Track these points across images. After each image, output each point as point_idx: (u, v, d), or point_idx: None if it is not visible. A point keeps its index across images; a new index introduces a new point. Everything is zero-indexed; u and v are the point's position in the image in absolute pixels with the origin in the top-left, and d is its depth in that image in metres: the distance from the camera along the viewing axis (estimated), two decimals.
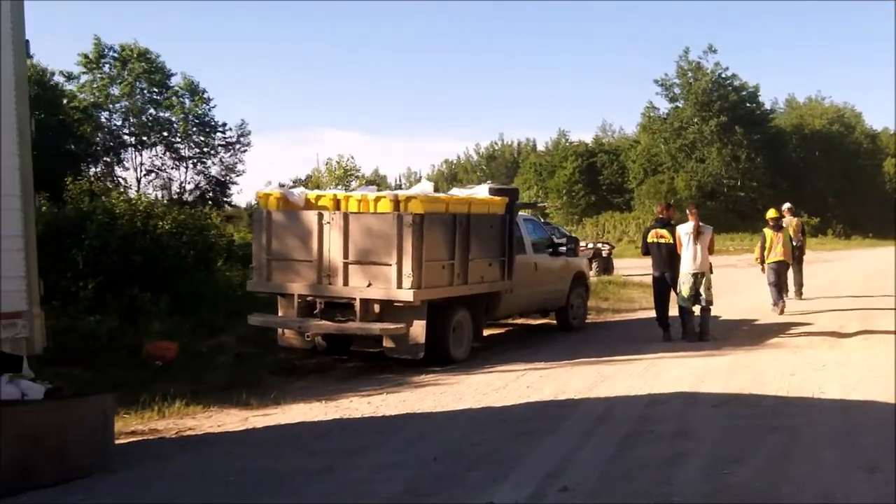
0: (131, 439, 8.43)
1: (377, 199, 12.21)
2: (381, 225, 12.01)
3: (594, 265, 29.14)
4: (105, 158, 32.04)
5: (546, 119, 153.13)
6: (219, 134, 35.66)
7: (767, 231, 18.25)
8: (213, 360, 12.38)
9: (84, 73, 34.10)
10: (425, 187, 13.13)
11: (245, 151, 36.45)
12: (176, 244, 14.95)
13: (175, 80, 35.48)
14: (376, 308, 12.07)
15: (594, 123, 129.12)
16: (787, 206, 19.61)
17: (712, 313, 14.66)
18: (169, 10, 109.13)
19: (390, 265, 11.84)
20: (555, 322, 16.37)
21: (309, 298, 12.41)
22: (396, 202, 12.02)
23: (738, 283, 20.77)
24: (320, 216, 12.29)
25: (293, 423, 9.03)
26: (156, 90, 35.30)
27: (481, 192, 14.23)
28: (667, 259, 14.38)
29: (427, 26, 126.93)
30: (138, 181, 34.49)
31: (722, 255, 37.80)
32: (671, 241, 14.23)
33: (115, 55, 34.32)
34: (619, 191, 71.42)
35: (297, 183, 22.96)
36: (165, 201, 26.02)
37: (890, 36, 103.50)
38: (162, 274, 14.21)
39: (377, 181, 72.08)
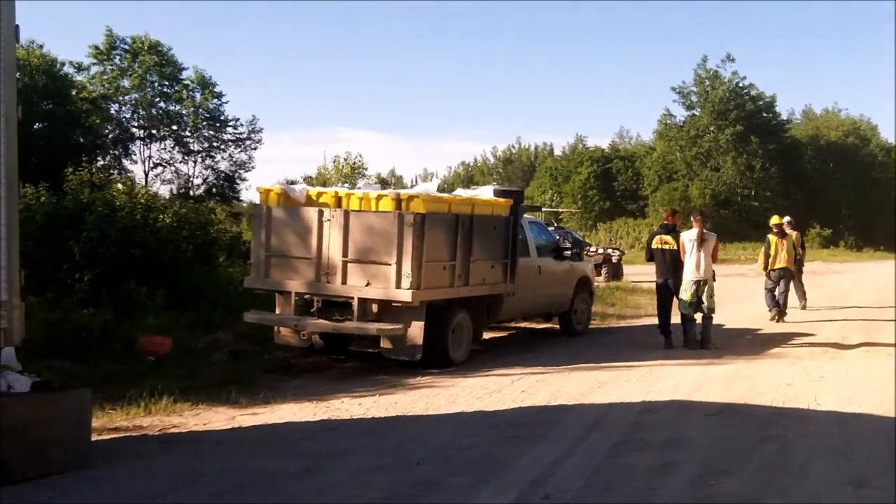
0: (113, 435, 8.31)
1: (379, 198, 12.09)
2: (381, 224, 11.89)
3: (604, 271, 29.07)
4: (113, 151, 31.97)
5: (564, 124, 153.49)
6: (229, 129, 35.72)
7: (772, 237, 18.16)
8: (207, 357, 12.25)
9: (95, 64, 34.24)
10: (428, 187, 13.03)
11: (256, 148, 36.53)
12: (176, 238, 14.86)
13: (187, 74, 35.72)
14: (374, 308, 11.94)
15: (612, 129, 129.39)
16: (787, 219, 19.47)
17: (715, 321, 14.52)
18: (185, 6, 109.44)
19: (390, 265, 11.72)
20: (558, 327, 16.21)
21: (306, 296, 12.28)
22: (398, 201, 11.89)
23: (745, 291, 20.58)
24: (320, 213, 12.18)
25: (280, 423, 8.91)
26: (166, 83, 35.28)
27: (486, 193, 14.10)
28: (670, 265, 14.23)
29: (448, 28, 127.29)
30: (146, 174, 34.52)
31: (733, 264, 37.74)
32: (675, 247, 14.10)
33: (126, 47, 34.30)
34: (633, 197, 71.27)
35: (306, 181, 22.88)
36: (171, 195, 25.97)
37: None
38: (160, 268, 14.13)
39: (392, 182, 72.11)
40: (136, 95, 34.55)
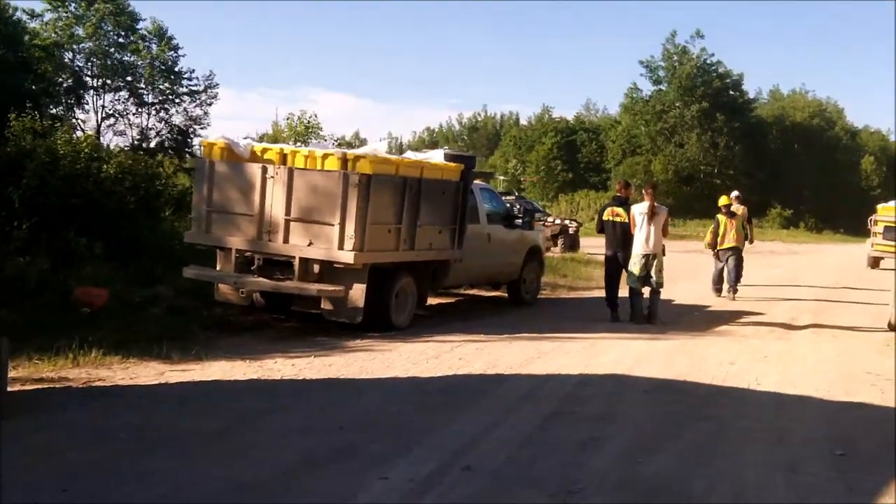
0: (36, 386, 8.09)
1: (325, 156, 11.80)
2: (326, 183, 11.61)
3: (560, 241, 28.96)
4: (66, 99, 31.29)
5: (532, 94, 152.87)
6: (184, 82, 35.05)
7: (721, 217, 18.18)
8: (145, 311, 11.93)
9: (49, 10, 33.45)
10: (377, 147, 12.74)
11: (212, 104, 35.92)
12: (119, 189, 14.49)
13: (144, 25, 34.95)
14: (316, 268, 11.70)
15: (579, 101, 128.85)
16: (735, 194, 19.56)
17: (665, 297, 14.41)
18: None
19: (333, 225, 11.45)
20: (506, 295, 16.04)
21: (247, 254, 12.03)
22: (344, 161, 11.61)
23: (699, 268, 20.47)
24: (264, 170, 11.88)
25: (208, 380, 8.67)
26: (122, 32, 34.52)
27: (437, 157, 13.82)
28: (620, 238, 14.04)
29: None
30: (98, 125, 33.77)
31: (692, 240, 37.73)
32: (626, 220, 13.90)
33: None
34: (596, 169, 71.18)
35: (261, 138, 22.46)
36: (123, 147, 25.47)
37: (879, 36, 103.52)
38: (102, 219, 13.76)
39: (356, 144, 71.59)
40: (91, 44, 33.80)
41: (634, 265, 13.68)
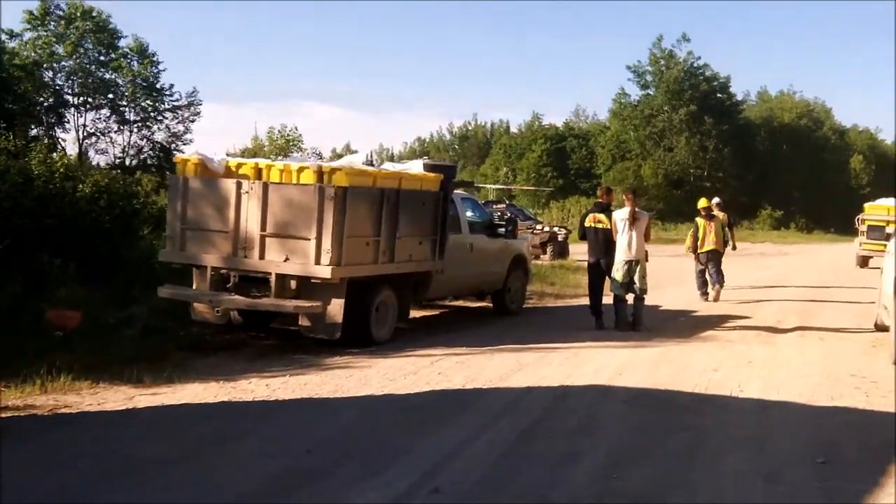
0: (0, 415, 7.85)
1: (300, 170, 11.59)
2: (301, 197, 11.41)
3: (549, 249, 28.80)
4: (47, 118, 31.02)
5: (521, 102, 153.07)
6: (166, 97, 34.75)
7: (700, 220, 18.20)
8: (119, 332, 11.72)
9: (28, 30, 33.10)
10: (353, 159, 12.56)
11: (194, 120, 35.59)
12: (95, 209, 14.27)
13: (126, 42, 34.65)
14: (293, 284, 11.48)
15: (569, 108, 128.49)
16: (716, 200, 19.61)
17: (651, 303, 14.24)
18: None
19: (309, 240, 11.24)
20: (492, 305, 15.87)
21: (223, 271, 11.83)
22: (320, 174, 11.42)
23: (686, 273, 20.29)
24: (238, 185, 11.67)
25: (178, 403, 8.44)
26: (103, 50, 34.24)
27: (415, 167, 13.64)
28: (603, 245, 13.87)
29: (410, 5, 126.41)
30: (80, 143, 33.53)
31: (682, 244, 37.43)
32: (608, 226, 13.73)
33: (61, 13, 33.17)
34: (586, 175, 71.03)
35: (244, 153, 22.26)
36: (104, 165, 25.21)
37: (866, 34, 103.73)
38: (76, 239, 13.54)
39: (345, 156, 71.45)
40: (71, 62, 33.51)
41: (617, 272, 13.50)
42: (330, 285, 11.33)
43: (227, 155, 14.06)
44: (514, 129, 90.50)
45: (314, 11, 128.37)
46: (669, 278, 20.71)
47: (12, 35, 31.55)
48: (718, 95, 67.77)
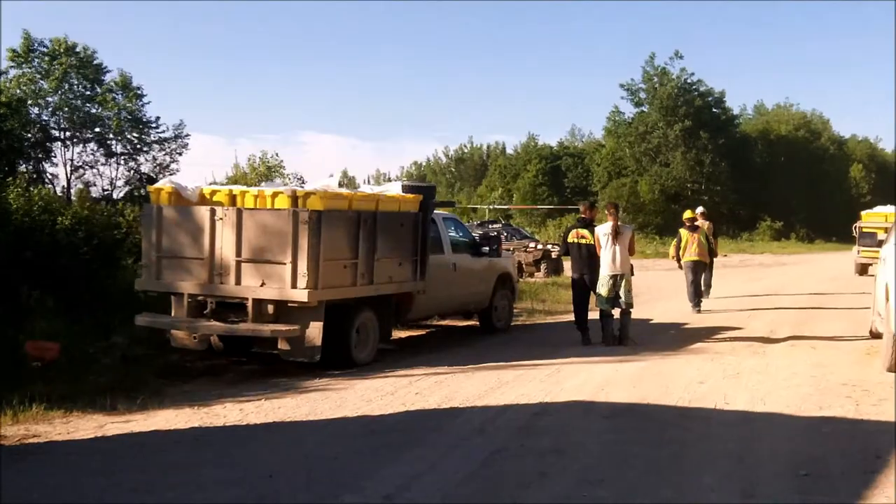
0: None
1: (274, 195, 11.49)
2: (276, 222, 11.30)
3: (543, 266, 28.65)
4: (35, 154, 30.98)
5: (517, 123, 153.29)
6: (152, 130, 34.69)
7: (683, 231, 18.14)
8: (98, 362, 11.57)
9: (13, 67, 33.11)
10: (329, 183, 12.41)
11: (181, 152, 35.52)
12: (74, 241, 14.13)
13: (111, 77, 34.62)
14: (270, 308, 11.36)
15: (565, 129, 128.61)
16: (700, 210, 19.70)
17: (643, 316, 14.02)
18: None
19: (285, 264, 11.13)
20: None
21: (200, 298, 11.69)
22: (294, 198, 11.32)
23: (679, 286, 20.05)
24: (213, 212, 11.57)
25: (147, 431, 8.28)
26: (88, 85, 34.21)
27: (394, 189, 13.51)
28: (586, 260, 13.67)
29: (405, 29, 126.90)
30: (68, 177, 33.50)
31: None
32: (591, 241, 13.53)
33: (45, 49, 33.17)
34: (583, 193, 70.72)
35: (229, 181, 22.13)
36: (90, 198, 25.11)
37: (862, 45, 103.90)
38: (55, 271, 13.40)
39: (344, 183, 71.47)
40: (56, 98, 33.50)
41: (602, 287, 13.29)
42: (308, 309, 11.19)
43: (212, 184, 13.96)
44: (510, 151, 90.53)
45: (304, 37, 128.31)
46: (662, 291, 20.52)
47: None
48: (713, 110, 67.64)
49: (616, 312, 13.45)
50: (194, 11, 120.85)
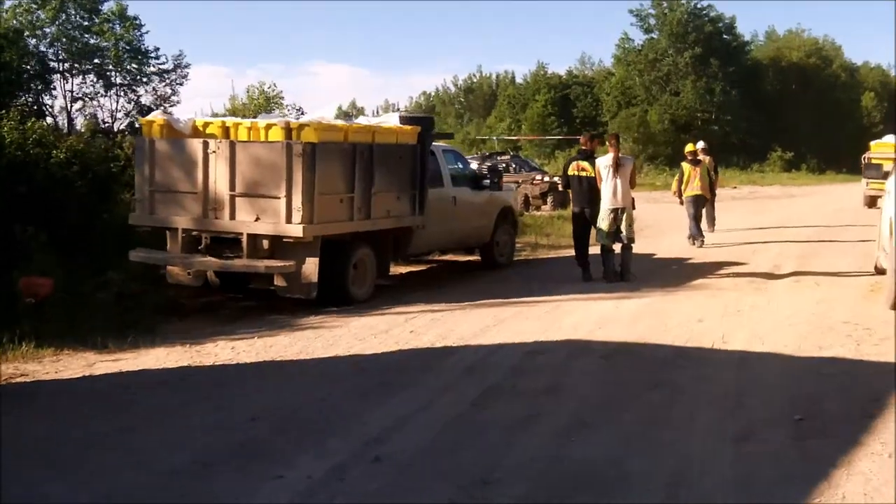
0: None
1: (268, 127, 11.28)
2: (270, 155, 11.09)
3: (549, 199, 28.35)
4: (34, 85, 30.62)
5: (527, 52, 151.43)
6: (152, 61, 34.29)
7: (685, 165, 17.90)
8: (92, 299, 11.44)
9: None
10: (324, 114, 12.18)
11: (182, 83, 35.01)
12: (68, 175, 13.92)
13: (109, 7, 34.00)
14: (265, 244, 11.22)
15: (575, 57, 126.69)
16: (701, 144, 19.26)
17: (647, 251, 13.80)
18: None
19: (279, 198, 10.95)
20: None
21: (194, 233, 11.53)
22: (288, 130, 11.10)
23: (684, 219, 19.77)
24: (206, 145, 11.36)
25: (135, 370, 8.15)
26: (86, 15, 33.71)
27: (391, 120, 13.28)
28: (587, 194, 13.36)
29: None
30: (68, 109, 33.11)
31: None
32: (592, 174, 13.24)
33: None
34: (592, 124, 69.89)
35: (227, 114, 21.83)
36: (87, 129, 24.82)
37: None
38: (49, 207, 13.20)
39: (353, 114, 70.84)
40: (54, 28, 33.03)
41: (603, 221, 13.01)
42: (303, 244, 11.03)
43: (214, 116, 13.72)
44: (519, 80, 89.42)
45: None
46: (670, 225, 20.24)
47: None
48: (724, 37, 66.52)
49: (617, 247, 13.22)
50: None
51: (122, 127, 30.51)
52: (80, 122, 31.38)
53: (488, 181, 15.01)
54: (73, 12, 33.90)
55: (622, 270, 13.13)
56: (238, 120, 12.11)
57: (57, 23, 33.62)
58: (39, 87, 31.55)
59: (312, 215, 10.94)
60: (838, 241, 18.07)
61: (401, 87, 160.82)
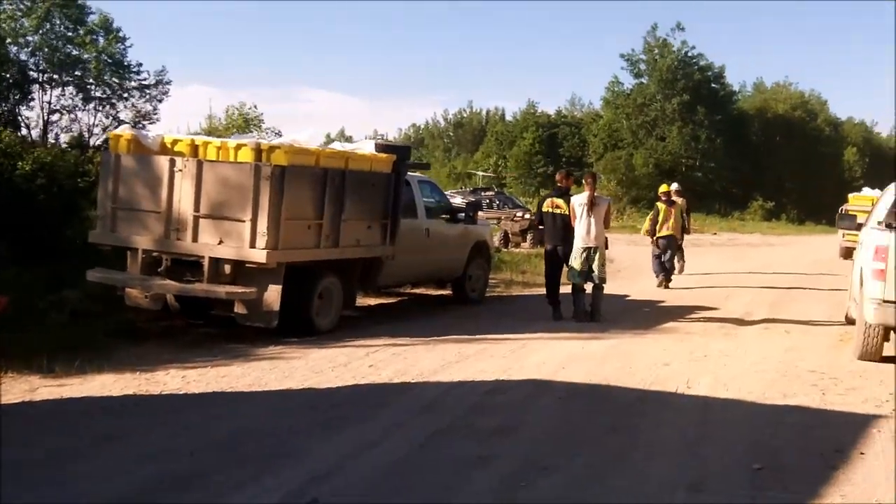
0: None
1: (238, 148, 11.01)
2: (237, 176, 10.81)
3: (529, 237, 28.23)
4: (11, 95, 30.28)
5: (518, 90, 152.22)
6: (133, 76, 33.95)
7: (660, 205, 18.09)
8: (48, 317, 11.09)
9: None
10: (298, 137, 11.95)
11: (162, 100, 34.74)
12: (30, 188, 13.63)
13: (93, 19, 33.68)
14: (227, 269, 10.89)
15: (565, 97, 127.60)
16: (675, 186, 19.45)
17: (620, 292, 13.60)
18: None
19: (244, 221, 10.65)
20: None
21: (155, 254, 11.21)
22: (258, 151, 10.84)
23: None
24: (172, 162, 11.07)
25: (78, 397, 7.85)
26: (70, 25, 33.42)
27: (367, 147, 13.06)
28: (561, 231, 13.16)
29: None
30: (45, 121, 32.74)
31: None
32: (566, 211, 13.05)
33: None
34: (578, 164, 70.07)
35: (204, 133, 21.58)
36: (65, 144, 24.54)
37: (863, 27, 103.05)
38: (11, 219, 12.91)
39: (341, 141, 70.74)
40: (37, 38, 32.75)
41: (575, 259, 12.81)
42: (266, 270, 10.74)
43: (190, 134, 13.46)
44: (509, 117, 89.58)
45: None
46: (645, 267, 20.04)
47: None
48: (712, 86, 66.86)
49: (589, 287, 13.00)
50: None
51: (97, 142, 30.13)
52: (59, 135, 31.03)
53: (463, 214, 14.78)
54: (59, 22, 33.62)
55: (592, 311, 12.90)
56: (208, 139, 11.84)
57: (41, 32, 33.31)
58: (17, 97, 31.21)
59: (278, 241, 10.66)
60: (812, 289, 17.98)
61: (391, 118, 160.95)
